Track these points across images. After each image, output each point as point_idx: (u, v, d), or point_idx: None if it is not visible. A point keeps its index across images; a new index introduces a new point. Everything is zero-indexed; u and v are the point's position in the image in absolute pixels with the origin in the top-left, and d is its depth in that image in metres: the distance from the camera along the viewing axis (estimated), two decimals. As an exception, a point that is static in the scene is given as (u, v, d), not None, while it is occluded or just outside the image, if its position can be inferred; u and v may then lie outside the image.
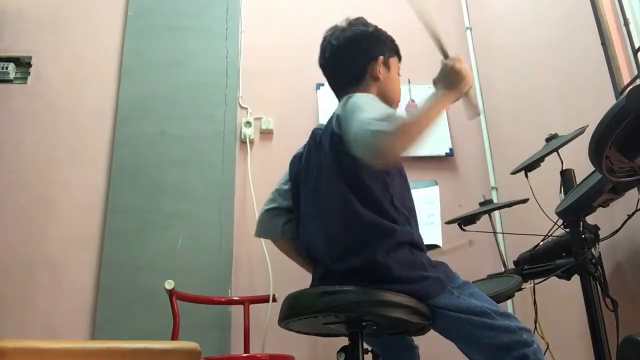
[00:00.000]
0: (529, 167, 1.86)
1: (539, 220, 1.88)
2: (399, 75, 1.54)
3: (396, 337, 1.50)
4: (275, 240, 1.55)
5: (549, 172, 1.86)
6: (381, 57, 1.48)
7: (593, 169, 1.29)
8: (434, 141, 2.91)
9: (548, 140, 1.87)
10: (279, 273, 2.56)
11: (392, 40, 1.54)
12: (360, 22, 1.51)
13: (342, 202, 1.30)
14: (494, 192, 2.84)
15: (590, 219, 1.63)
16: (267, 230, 1.53)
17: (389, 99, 1.47)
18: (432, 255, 1.39)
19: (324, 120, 2.82)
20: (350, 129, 1.21)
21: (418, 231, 1.37)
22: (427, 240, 1.44)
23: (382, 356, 1.54)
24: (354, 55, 1.47)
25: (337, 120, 1.33)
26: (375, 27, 1.52)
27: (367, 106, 1.22)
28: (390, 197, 1.32)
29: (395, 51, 1.54)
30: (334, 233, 1.30)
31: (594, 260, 1.56)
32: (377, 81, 1.47)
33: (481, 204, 2.12)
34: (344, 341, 1.29)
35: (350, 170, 1.31)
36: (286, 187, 1.52)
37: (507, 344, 1.19)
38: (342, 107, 1.31)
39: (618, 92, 1.83)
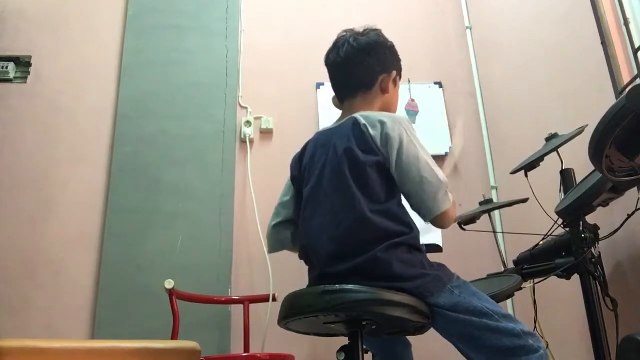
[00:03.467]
0: (529, 166, 1.85)
1: (539, 220, 1.88)
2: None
3: (393, 337, 1.49)
4: (290, 250, 1.56)
5: (549, 171, 1.86)
6: (394, 72, 1.51)
7: (593, 168, 1.29)
8: (434, 140, 2.91)
9: (548, 139, 1.87)
10: (279, 273, 2.56)
11: (400, 61, 1.56)
12: (379, 32, 1.52)
13: (350, 203, 1.29)
14: (493, 192, 2.84)
15: (590, 219, 1.63)
16: (279, 245, 1.54)
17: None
18: None
19: (323, 119, 2.91)
20: (426, 188, 1.29)
21: (418, 232, 1.37)
22: (427, 240, 1.44)
23: (379, 356, 1.54)
24: (371, 62, 1.48)
25: (366, 129, 1.34)
26: (392, 42, 1.54)
27: (429, 159, 1.33)
28: (398, 199, 1.33)
29: (400, 72, 1.55)
30: (339, 235, 1.29)
31: (593, 260, 1.56)
32: (384, 94, 1.49)
33: (481, 204, 2.12)
34: (344, 341, 1.29)
35: (361, 173, 1.31)
36: (287, 198, 1.53)
37: (510, 348, 1.18)
38: (384, 128, 1.33)
39: (618, 92, 1.83)
